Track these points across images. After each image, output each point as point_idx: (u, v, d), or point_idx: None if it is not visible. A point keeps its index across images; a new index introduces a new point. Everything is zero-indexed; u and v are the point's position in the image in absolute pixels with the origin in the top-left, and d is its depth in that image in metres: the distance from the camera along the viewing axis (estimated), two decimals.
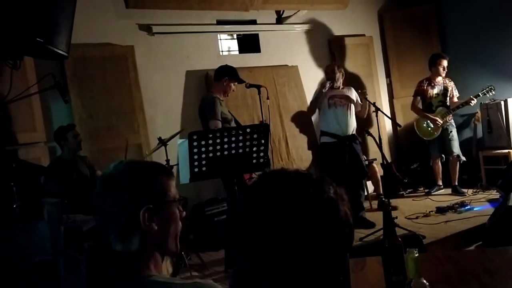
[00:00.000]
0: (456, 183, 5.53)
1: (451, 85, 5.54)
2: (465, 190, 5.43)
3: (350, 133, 4.84)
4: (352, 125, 4.90)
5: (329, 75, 4.92)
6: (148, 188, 1.13)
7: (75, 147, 3.91)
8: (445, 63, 5.36)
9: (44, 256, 2.01)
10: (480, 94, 5.32)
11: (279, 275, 0.77)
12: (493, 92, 5.34)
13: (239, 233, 0.81)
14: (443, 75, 5.44)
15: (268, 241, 0.77)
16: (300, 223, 0.77)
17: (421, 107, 5.57)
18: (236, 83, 4.14)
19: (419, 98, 5.56)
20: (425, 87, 5.46)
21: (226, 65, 4.16)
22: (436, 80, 5.45)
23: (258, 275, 0.78)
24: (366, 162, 5.35)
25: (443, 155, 5.57)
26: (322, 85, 5.11)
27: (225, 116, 3.96)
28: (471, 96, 5.30)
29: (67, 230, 1.15)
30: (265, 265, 0.77)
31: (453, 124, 5.59)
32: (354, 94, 4.98)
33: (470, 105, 5.31)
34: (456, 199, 5.15)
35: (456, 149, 5.48)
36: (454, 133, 5.53)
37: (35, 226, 2.26)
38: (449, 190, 5.59)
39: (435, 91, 5.45)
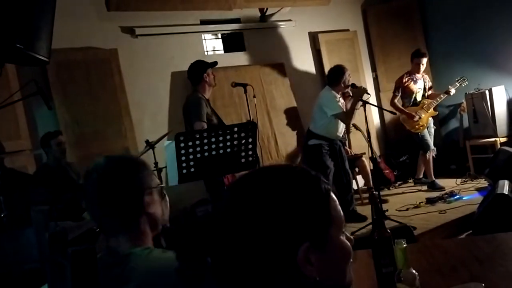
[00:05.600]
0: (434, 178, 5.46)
1: (426, 78, 5.51)
2: (442, 185, 5.33)
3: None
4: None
5: (347, 80, 4.64)
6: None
7: (59, 155, 3.91)
8: (423, 61, 5.27)
9: (32, 264, 1.98)
10: (457, 83, 5.33)
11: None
12: (466, 82, 5.37)
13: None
14: (421, 72, 5.38)
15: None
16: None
17: (401, 103, 5.40)
18: (211, 69, 3.94)
19: (399, 94, 5.37)
20: (408, 83, 5.34)
21: (192, 64, 3.95)
22: (417, 75, 5.41)
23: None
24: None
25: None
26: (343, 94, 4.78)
27: (211, 117, 3.85)
28: (450, 86, 5.30)
29: (52, 235, 1.13)
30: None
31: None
32: None
33: (450, 94, 5.31)
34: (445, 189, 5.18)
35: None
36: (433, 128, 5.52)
37: (22, 234, 2.23)
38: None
39: (418, 85, 5.41)
